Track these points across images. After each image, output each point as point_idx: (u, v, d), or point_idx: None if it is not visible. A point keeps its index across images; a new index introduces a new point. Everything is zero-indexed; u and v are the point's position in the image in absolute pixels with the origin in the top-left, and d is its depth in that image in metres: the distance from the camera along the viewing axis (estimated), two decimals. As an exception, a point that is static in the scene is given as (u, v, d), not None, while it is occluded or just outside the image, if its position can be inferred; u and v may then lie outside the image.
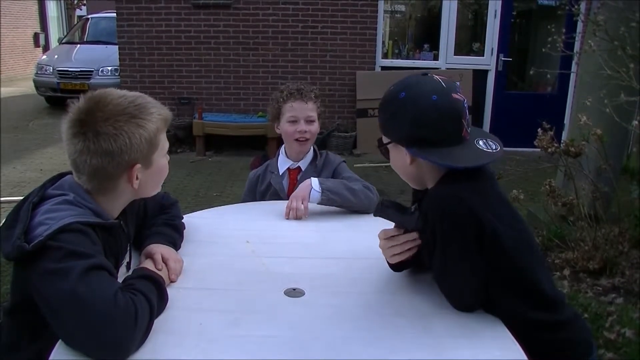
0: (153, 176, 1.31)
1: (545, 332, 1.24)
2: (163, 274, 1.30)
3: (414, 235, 1.29)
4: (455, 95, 1.23)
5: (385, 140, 1.32)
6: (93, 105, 1.20)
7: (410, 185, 1.37)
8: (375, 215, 1.31)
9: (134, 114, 1.21)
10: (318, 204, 1.89)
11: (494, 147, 1.26)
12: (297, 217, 1.85)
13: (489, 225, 1.17)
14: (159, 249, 1.39)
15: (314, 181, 1.90)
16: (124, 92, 1.26)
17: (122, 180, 1.25)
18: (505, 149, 1.29)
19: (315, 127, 2.11)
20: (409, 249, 1.30)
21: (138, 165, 1.24)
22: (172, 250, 1.43)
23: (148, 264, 1.32)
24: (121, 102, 1.22)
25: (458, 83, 1.28)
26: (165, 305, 1.21)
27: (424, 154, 1.23)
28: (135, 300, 1.08)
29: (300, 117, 2.08)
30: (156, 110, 1.26)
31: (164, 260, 1.36)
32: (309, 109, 2.08)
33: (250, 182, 2.24)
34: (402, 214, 1.29)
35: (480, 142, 1.26)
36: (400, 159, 1.30)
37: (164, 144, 1.31)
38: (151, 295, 1.14)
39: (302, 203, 1.86)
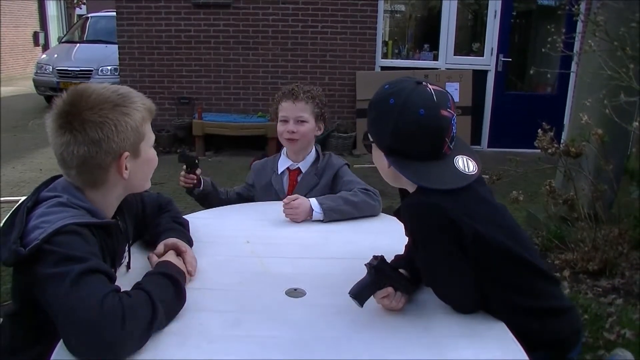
0: (142, 166, 1.32)
1: (537, 320, 1.25)
2: (182, 266, 1.32)
3: (389, 290, 1.24)
4: (443, 112, 1.20)
5: (370, 138, 1.32)
6: (77, 97, 1.21)
7: (388, 183, 1.36)
8: (359, 304, 1.25)
9: (118, 102, 1.23)
10: (321, 221, 1.88)
11: (471, 169, 1.24)
12: (288, 214, 1.87)
13: (467, 229, 1.18)
14: (179, 243, 1.43)
15: (313, 203, 1.88)
16: (106, 84, 1.28)
17: (111, 171, 1.25)
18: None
19: (305, 128, 2.09)
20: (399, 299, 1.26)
21: (127, 154, 1.24)
22: (188, 247, 1.46)
23: (171, 256, 1.35)
24: (104, 92, 1.23)
25: (451, 97, 1.25)
26: (184, 300, 1.22)
27: (400, 167, 1.23)
28: (124, 302, 1.06)
29: (290, 117, 2.09)
30: (139, 99, 1.28)
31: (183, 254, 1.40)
32: (300, 109, 2.08)
33: (254, 170, 2.27)
34: (371, 287, 1.24)
35: (460, 162, 1.24)
36: (380, 159, 1.31)
37: (150, 134, 1.32)
38: (158, 291, 1.14)
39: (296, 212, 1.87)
